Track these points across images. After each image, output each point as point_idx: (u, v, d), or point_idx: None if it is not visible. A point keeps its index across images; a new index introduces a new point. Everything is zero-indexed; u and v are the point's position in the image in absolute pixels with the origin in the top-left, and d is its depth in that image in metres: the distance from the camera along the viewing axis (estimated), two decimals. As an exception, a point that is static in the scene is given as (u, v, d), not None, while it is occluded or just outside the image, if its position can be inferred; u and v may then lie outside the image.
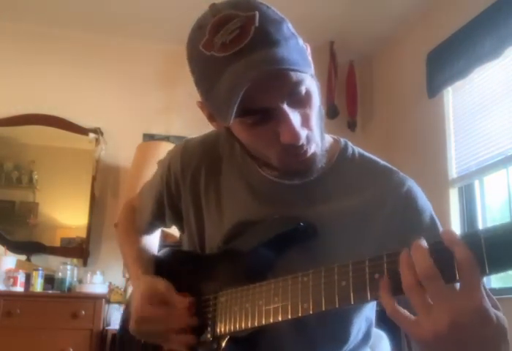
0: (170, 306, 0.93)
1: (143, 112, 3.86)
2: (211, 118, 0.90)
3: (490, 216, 2.98)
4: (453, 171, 3.13)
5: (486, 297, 0.60)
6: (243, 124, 0.82)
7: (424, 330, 0.61)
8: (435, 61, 3.26)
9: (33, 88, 3.72)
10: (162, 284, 0.96)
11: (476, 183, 3.02)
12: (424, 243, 0.63)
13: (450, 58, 3.10)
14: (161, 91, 3.90)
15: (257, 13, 0.77)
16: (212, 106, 0.83)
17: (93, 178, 3.66)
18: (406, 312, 0.64)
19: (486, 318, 0.60)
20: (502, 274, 2.80)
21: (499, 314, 0.62)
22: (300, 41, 0.83)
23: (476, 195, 3.01)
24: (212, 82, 0.78)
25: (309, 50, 0.87)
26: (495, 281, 2.82)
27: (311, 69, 0.82)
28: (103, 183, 3.72)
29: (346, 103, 4.04)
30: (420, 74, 3.38)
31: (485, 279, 2.75)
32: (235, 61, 0.75)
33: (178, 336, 0.92)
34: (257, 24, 0.76)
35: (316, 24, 3.66)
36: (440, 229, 0.92)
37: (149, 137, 3.81)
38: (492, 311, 0.61)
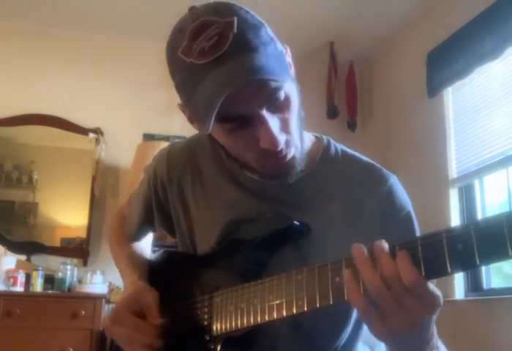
0: (143, 318, 0.93)
1: (143, 112, 3.86)
2: (192, 120, 0.90)
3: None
4: (453, 171, 3.13)
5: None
6: (222, 129, 0.83)
7: (383, 330, 0.66)
8: (435, 61, 3.26)
9: (33, 88, 3.73)
10: (148, 295, 0.95)
11: (476, 183, 3.02)
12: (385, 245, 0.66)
13: (450, 58, 3.10)
14: (161, 91, 3.90)
15: (235, 19, 0.77)
16: (192, 112, 0.83)
17: (93, 178, 3.66)
18: (373, 310, 0.66)
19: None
20: (501, 275, 2.81)
21: (433, 290, 0.67)
22: (279, 45, 0.84)
23: (476, 195, 3.01)
24: (192, 90, 0.79)
25: (288, 52, 0.87)
26: (495, 281, 2.83)
27: (289, 74, 0.82)
28: (103, 183, 3.72)
29: (346, 103, 4.04)
30: (420, 74, 3.38)
31: (484, 280, 2.72)
32: (214, 68, 0.76)
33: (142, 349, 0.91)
34: (235, 30, 0.76)
35: (316, 24, 3.66)
36: (416, 227, 0.95)
37: (149, 137, 3.81)
38: (431, 295, 0.65)
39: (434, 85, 3.26)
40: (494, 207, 3.01)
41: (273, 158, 0.84)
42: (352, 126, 4.00)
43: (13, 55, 3.77)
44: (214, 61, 0.76)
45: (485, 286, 2.82)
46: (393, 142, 3.77)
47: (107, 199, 3.74)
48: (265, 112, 0.80)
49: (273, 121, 0.80)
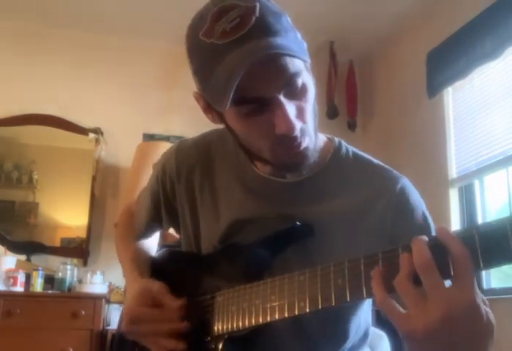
0: (162, 308, 0.92)
1: (143, 112, 3.86)
2: (207, 109, 0.90)
3: (490, 216, 2.98)
4: (453, 171, 3.13)
5: (479, 293, 0.61)
6: (238, 114, 0.82)
7: (415, 324, 0.61)
8: (435, 60, 3.26)
9: (33, 88, 3.72)
10: (155, 285, 0.95)
11: (476, 183, 3.02)
12: (424, 237, 0.63)
13: (450, 58, 3.10)
14: (161, 91, 3.90)
15: (257, 4, 0.78)
16: (210, 92, 0.82)
17: (93, 178, 3.66)
18: (396, 304, 0.63)
19: (477, 314, 0.61)
20: (501, 275, 2.80)
21: (489, 310, 0.63)
22: (299, 35, 0.84)
23: (476, 195, 3.01)
24: (210, 69, 0.79)
25: (305, 47, 0.87)
26: (495, 281, 2.82)
27: (309, 60, 0.82)
28: (103, 183, 3.72)
29: (346, 103, 4.04)
30: (420, 74, 3.38)
31: (484, 280, 2.74)
32: (235, 47, 0.76)
33: (167, 339, 0.90)
34: (257, 14, 0.77)
35: (316, 24, 3.66)
36: (432, 226, 0.94)
37: (149, 137, 3.81)
38: (483, 307, 0.62)
39: (434, 85, 3.26)
40: (494, 207, 3.01)
41: (288, 145, 0.84)
42: (352, 126, 4.00)
43: (13, 55, 3.77)
44: (236, 41, 0.76)
45: (485, 286, 2.82)
46: (393, 142, 3.77)
47: (107, 199, 3.74)
48: (282, 97, 0.79)
49: (290, 106, 0.80)
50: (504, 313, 2.55)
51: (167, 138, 3.77)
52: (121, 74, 3.89)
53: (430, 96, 3.31)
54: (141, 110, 3.86)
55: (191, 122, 3.74)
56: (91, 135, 3.73)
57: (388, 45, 3.93)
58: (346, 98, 4.06)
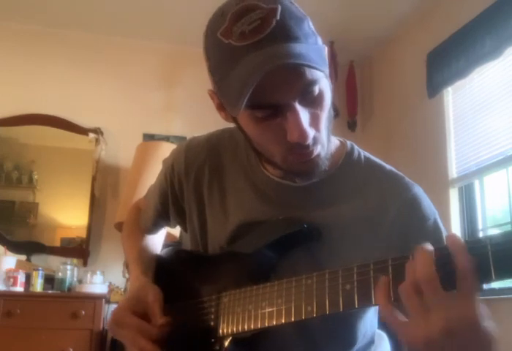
0: (147, 320, 0.91)
1: (143, 112, 3.86)
2: (220, 107, 0.88)
3: (490, 216, 2.98)
4: (453, 171, 3.14)
5: (479, 307, 0.61)
6: (251, 117, 0.81)
7: (416, 334, 0.61)
8: (435, 61, 3.26)
9: (33, 88, 3.72)
10: (151, 294, 0.94)
11: (476, 183, 3.02)
12: (429, 247, 0.63)
13: (450, 58, 3.10)
14: (161, 91, 3.90)
15: (279, 7, 0.77)
16: (223, 95, 0.81)
17: (93, 178, 3.66)
18: (400, 315, 0.64)
19: (476, 328, 0.61)
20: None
21: (490, 323, 0.62)
22: (320, 40, 0.83)
23: (476, 195, 3.01)
24: (226, 71, 0.78)
25: (326, 52, 0.86)
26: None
27: (327, 69, 0.81)
28: (103, 183, 3.72)
29: (346, 103, 4.04)
30: (420, 74, 3.38)
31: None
32: (253, 51, 0.75)
33: None
34: (278, 17, 0.76)
35: (316, 24, 3.63)
36: (445, 235, 0.92)
37: (149, 137, 3.81)
38: (484, 320, 0.61)
39: (434, 85, 3.26)
40: (494, 207, 3.01)
41: (299, 153, 0.83)
42: (352, 126, 4.01)
43: (13, 55, 3.77)
44: (254, 44, 0.75)
45: (485, 286, 2.82)
46: (393, 142, 3.77)
47: (107, 199, 3.74)
48: (297, 104, 0.78)
49: (304, 114, 0.79)
50: (504, 313, 2.55)
51: (167, 138, 3.77)
52: (121, 74, 3.89)
53: (430, 96, 3.31)
54: (141, 110, 3.86)
55: (191, 122, 3.74)
56: (91, 135, 3.72)
57: (388, 45, 3.93)
58: (346, 98, 4.06)
